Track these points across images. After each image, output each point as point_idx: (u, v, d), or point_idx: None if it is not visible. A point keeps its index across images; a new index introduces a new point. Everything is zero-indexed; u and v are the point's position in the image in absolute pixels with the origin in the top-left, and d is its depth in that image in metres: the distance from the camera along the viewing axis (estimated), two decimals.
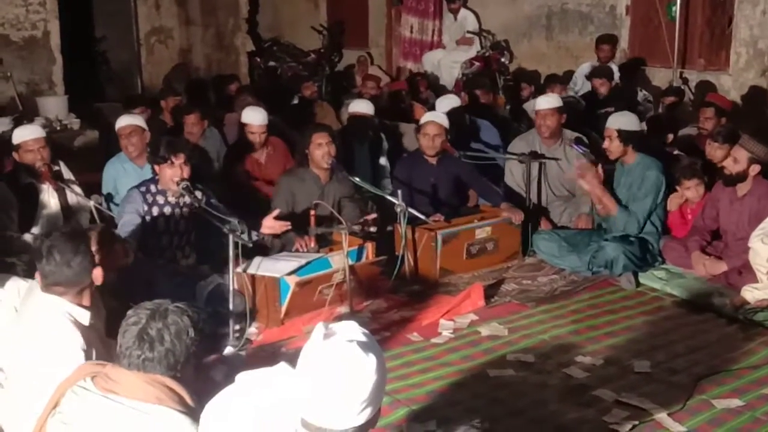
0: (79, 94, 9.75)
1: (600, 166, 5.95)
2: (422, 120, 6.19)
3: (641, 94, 8.37)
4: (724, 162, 5.55)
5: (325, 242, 5.32)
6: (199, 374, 2.53)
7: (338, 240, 5.14)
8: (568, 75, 9.31)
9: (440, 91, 9.35)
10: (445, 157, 6.14)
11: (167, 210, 4.98)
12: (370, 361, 1.95)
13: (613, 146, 5.79)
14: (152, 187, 4.97)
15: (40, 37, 9.59)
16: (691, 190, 5.83)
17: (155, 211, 4.95)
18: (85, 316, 3.06)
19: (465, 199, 6.43)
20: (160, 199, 4.97)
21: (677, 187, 5.90)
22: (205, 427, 2.19)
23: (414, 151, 6.42)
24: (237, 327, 4.54)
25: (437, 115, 6.26)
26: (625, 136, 5.73)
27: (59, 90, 9.69)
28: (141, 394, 2.34)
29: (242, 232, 4.47)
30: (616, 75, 8.60)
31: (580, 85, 9.07)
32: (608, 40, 9.03)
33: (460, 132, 6.75)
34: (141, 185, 4.99)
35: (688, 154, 6.37)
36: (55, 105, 9.21)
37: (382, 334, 4.64)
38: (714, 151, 6.00)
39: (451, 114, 6.62)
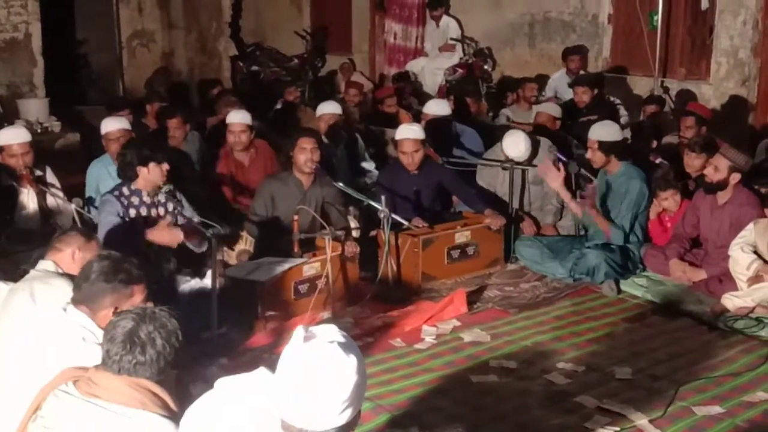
0: (60, 96, 9.68)
1: (563, 167, 5.97)
2: (397, 136, 6.09)
3: (610, 101, 8.41)
4: (704, 170, 5.58)
5: (308, 248, 5.31)
6: (179, 387, 2.50)
7: (321, 245, 5.14)
8: (542, 78, 9.38)
9: (424, 97, 9.36)
10: (427, 164, 6.12)
11: (143, 211, 4.96)
12: (351, 361, 1.96)
13: (595, 157, 5.83)
14: (125, 190, 4.94)
15: (21, 39, 9.52)
16: (668, 200, 5.86)
17: (132, 212, 4.92)
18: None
19: (448, 205, 6.43)
20: (135, 200, 4.94)
21: (654, 199, 5.93)
22: None
23: (396, 159, 6.40)
24: (219, 332, 4.52)
25: (412, 129, 6.12)
26: (606, 147, 5.76)
27: (40, 92, 9.62)
28: (125, 398, 2.31)
29: (225, 236, 4.46)
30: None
31: (551, 94, 9.12)
32: (577, 51, 9.09)
33: (444, 138, 6.75)
34: (114, 190, 4.96)
35: (671, 163, 6.40)
36: (35, 107, 9.15)
37: (365, 340, 4.64)
38: (692, 161, 6.05)
39: (437, 120, 6.61)
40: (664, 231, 5.97)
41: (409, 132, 6.06)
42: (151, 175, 4.88)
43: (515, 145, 6.19)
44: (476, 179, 6.54)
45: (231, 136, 6.39)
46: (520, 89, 8.62)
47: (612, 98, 8.45)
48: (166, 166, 4.88)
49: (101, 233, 4.69)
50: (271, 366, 2.11)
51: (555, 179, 5.76)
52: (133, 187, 4.93)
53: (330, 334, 2.01)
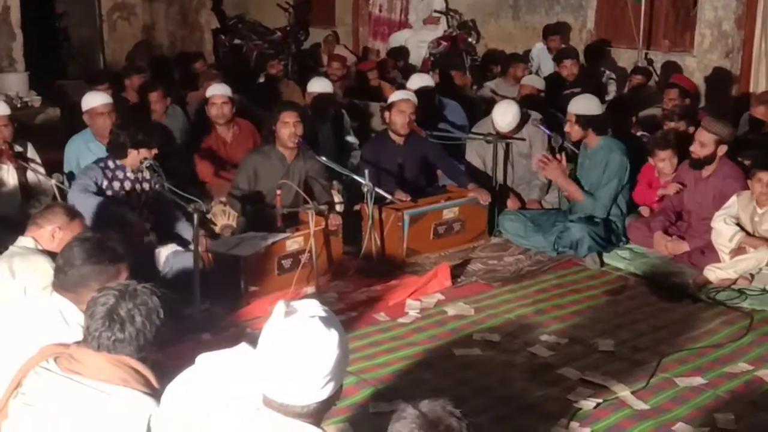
0: (40, 71, 9.56)
1: (563, 155, 5.98)
2: (394, 98, 6.08)
3: (605, 75, 8.40)
4: (691, 147, 5.56)
5: (292, 222, 5.29)
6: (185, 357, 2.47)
7: (305, 219, 5.12)
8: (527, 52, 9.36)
9: (408, 70, 9.31)
10: (412, 137, 6.11)
11: (127, 185, 4.96)
12: (332, 335, 1.96)
13: (573, 130, 5.82)
14: (110, 163, 4.95)
15: None
16: (665, 162, 5.83)
17: (116, 185, 4.91)
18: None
19: (432, 179, 6.42)
20: (120, 174, 4.95)
21: (650, 159, 5.91)
22: (165, 408, 2.17)
23: (381, 132, 6.37)
24: (202, 307, 4.50)
25: (409, 93, 6.20)
26: (583, 120, 5.75)
27: (20, 67, 9.48)
28: (106, 375, 2.30)
29: (207, 212, 4.44)
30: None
31: (536, 66, 9.09)
32: (557, 32, 9.04)
33: (428, 112, 6.72)
34: (99, 161, 4.97)
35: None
36: (15, 82, 9.04)
37: (349, 314, 4.64)
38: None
39: (421, 93, 6.59)
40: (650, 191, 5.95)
41: (407, 94, 6.14)
42: (140, 156, 4.90)
43: (503, 114, 6.16)
44: (465, 153, 6.50)
45: (213, 109, 6.35)
46: (511, 68, 8.52)
47: (607, 71, 8.44)
48: (155, 151, 4.91)
49: (72, 197, 4.72)
50: (254, 342, 2.10)
51: (554, 171, 5.77)
52: (118, 162, 4.94)
53: (311, 308, 2.01)
